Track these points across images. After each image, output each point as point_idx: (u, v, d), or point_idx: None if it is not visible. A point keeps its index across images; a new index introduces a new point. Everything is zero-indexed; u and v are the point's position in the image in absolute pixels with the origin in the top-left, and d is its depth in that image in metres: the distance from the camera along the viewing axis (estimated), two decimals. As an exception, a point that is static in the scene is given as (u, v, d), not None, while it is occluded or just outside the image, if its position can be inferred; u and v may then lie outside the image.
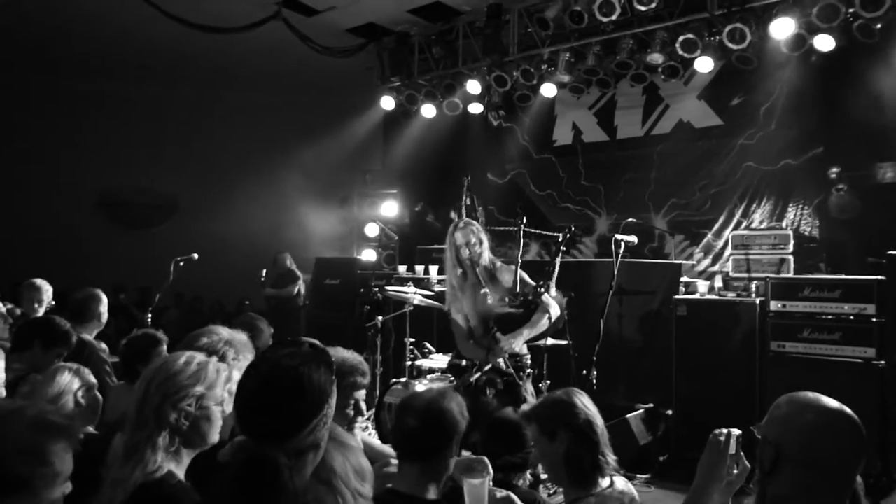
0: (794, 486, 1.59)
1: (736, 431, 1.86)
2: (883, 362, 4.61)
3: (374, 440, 2.50)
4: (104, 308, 4.43)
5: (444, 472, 2.13)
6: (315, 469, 1.52)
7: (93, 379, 3.13)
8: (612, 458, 2.23)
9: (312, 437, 1.50)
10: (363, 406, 2.38)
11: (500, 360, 4.02)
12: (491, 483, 2.19)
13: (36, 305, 5.07)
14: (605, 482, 2.22)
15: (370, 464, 1.80)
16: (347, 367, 2.36)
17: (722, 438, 1.85)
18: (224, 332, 2.37)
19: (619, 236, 3.95)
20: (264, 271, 8.65)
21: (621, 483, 2.24)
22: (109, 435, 2.27)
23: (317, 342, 2.93)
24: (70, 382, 3.04)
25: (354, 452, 1.65)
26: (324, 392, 1.53)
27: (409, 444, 2.14)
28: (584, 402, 2.28)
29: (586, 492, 2.18)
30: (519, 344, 4.07)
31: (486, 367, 4.06)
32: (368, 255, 8.84)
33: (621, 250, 3.90)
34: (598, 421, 2.26)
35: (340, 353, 2.44)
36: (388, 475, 2.19)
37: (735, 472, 1.85)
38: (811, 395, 1.67)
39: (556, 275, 3.92)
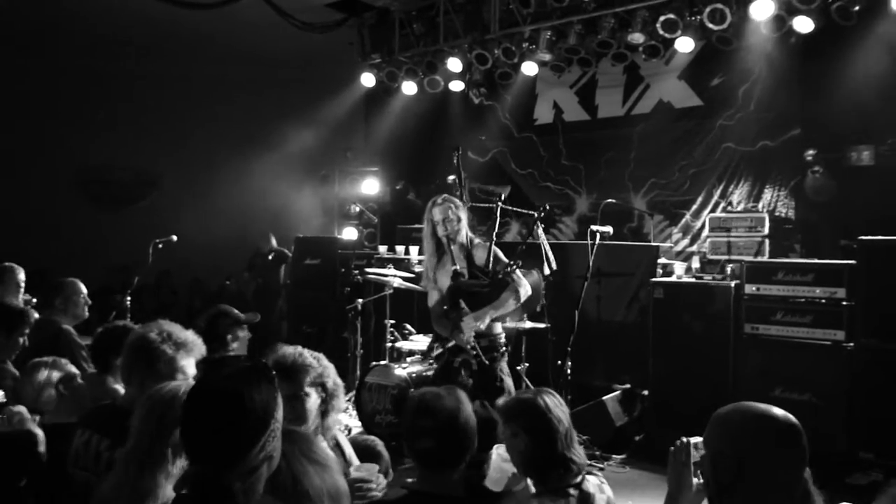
0: (753, 497, 1.62)
1: (695, 439, 1.89)
2: (851, 345, 4.72)
3: (351, 452, 2.53)
4: (80, 297, 4.42)
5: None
6: (289, 494, 1.53)
7: (72, 369, 3.15)
8: (578, 456, 2.26)
9: (264, 454, 1.50)
10: (330, 418, 2.36)
11: (469, 340, 4.00)
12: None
13: (18, 289, 4.98)
14: (573, 480, 2.24)
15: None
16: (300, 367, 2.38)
17: (682, 449, 1.90)
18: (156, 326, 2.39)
19: (594, 227, 3.98)
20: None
21: (592, 483, 2.27)
22: (71, 432, 2.27)
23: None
24: (49, 376, 3.07)
25: (331, 473, 1.65)
26: (268, 408, 1.52)
27: (429, 462, 2.18)
28: (549, 403, 2.30)
29: (551, 487, 2.22)
30: (484, 323, 4.06)
31: (450, 345, 4.08)
32: (349, 234, 8.81)
33: (597, 241, 3.93)
34: (561, 424, 2.26)
35: (308, 359, 2.44)
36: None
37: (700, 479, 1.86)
38: (761, 406, 1.70)
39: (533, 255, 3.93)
